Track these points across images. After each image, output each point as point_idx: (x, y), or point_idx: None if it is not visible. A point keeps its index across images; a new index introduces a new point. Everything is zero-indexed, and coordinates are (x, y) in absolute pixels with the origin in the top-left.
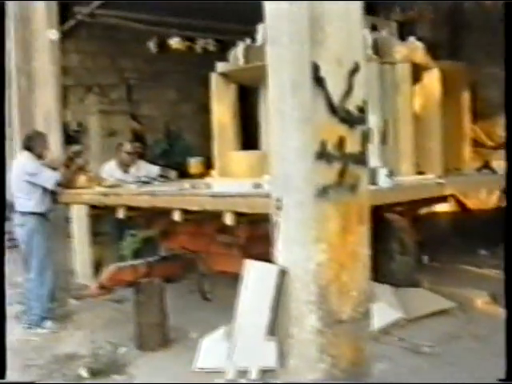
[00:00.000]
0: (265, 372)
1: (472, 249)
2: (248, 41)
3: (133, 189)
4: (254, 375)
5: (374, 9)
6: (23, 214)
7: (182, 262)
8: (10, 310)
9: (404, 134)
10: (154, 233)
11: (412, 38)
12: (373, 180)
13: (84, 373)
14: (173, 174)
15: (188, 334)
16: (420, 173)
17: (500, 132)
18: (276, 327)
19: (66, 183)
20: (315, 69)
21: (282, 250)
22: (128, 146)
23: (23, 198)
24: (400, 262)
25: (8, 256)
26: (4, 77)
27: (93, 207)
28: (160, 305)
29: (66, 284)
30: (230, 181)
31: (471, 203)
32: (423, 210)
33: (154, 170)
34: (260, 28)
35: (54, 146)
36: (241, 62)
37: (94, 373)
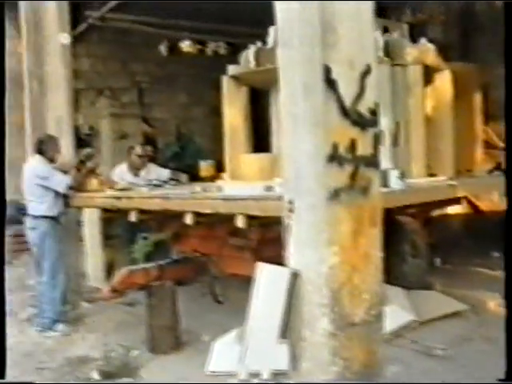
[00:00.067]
0: (276, 375)
1: (484, 251)
2: (259, 43)
3: (145, 192)
4: (265, 377)
5: (385, 11)
6: (35, 217)
7: (194, 264)
8: (23, 313)
9: (415, 135)
10: (165, 236)
11: (423, 40)
12: (384, 182)
13: (96, 375)
14: (184, 177)
15: (200, 336)
16: (431, 175)
17: None
18: (288, 330)
19: (78, 186)
20: (327, 71)
21: (293, 252)
22: (138, 149)
23: (35, 202)
24: (412, 264)
25: (20, 259)
26: (4, 77)
27: (105, 210)
28: (172, 308)
29: (77, 287)
30: (241, 184)
31: (483, 205)
32: (435, 212)
33: (165, 173)
34: (271, 31)
35: (66, 149)
36: (252, 64)
37: (106, 376)
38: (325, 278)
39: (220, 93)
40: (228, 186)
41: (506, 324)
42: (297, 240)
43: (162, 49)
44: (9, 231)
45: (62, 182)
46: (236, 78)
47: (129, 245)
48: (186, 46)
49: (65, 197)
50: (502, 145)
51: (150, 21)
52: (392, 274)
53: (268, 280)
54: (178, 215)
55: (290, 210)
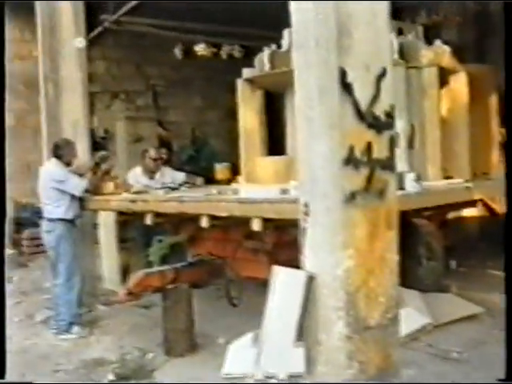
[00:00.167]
0: (292, 378)
1: (500, 253)
2: (273, 46)
3: (160, 195)
4: (281, 377)
5: (399, 13)
6: (51, 220)
7: (209, 267)
8: (39, 315)
9: (431, 138)
10: (181, 239)
11: (438, 42)
12: (400, 185)
13: (110, 378)
14: (199, 180)
15: (215, 339)
16: (447, 177)
17: None
18: (304, 333)
19: (93, 189)
20: (342, 74)
21: (309, 255)
22: (152, 152)
23: (51, 205)
24: (428, 267)
25: (36, 262)
26: (4, 77)
27: (120, 213)
28: (187, 310)
29: (93, 290)
30: (256, 186)
31: (499, 208)
32: (451, 215)
33: (180, 176)
34: (286, 33)
35: (82, 152)
36: (267, 67)
37: (121, 378)
38: (340, 281)
39: (235, 96)
40: (243, 188)
41: (506, 324)
42: (312, 243)
43: (177, 52)
44: (25, 234)
45: (78, 185)
46: (251, 81)
47: (144, 248)
48: (200, 49)
49: (81, 200)
50: None
51: (165, 24)
52: (407, 277)
53: (284, 283)
54: (194, 218)
55: (306, 213)
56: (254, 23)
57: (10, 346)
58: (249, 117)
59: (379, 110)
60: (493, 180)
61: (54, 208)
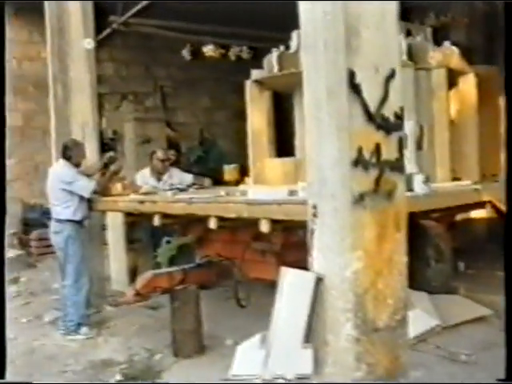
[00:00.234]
0: (300, 379)
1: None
2: (282, 48)
3: (168, 196)
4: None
5: (408, 14)
6: (60, 221)
7: (217, 269)
8: (47, 316)
9: (440, 139)
10: (189, 240)
11: (447, 43)
12: (409, 186)
13: (116, 379)
14: (207, 181)
15: (223, 341)
16: (456, 179)
17: None
18: (312, 335)
19: (102, 190)
20: (351, 76)
21: (317, 257)
22: (160, 154)
23: (60, 206)
24: (436, 268)
25: (44, 262)
26: (4, 77)
27: (128, 214)
28: (195, 312)
29: (101, 290)
30: (265, 188)
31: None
32: (459, 217)
33: (188, 178)
34: (294, 35)
35: (91, 153)
36: (275, 69)
37: (129, 379)
38: (349, 283)
39: (243, 97)
40: (252, 190)
41: (506, 324)
42: (321, 244)
43: (185, 53)
44: (33, 235)
45: (86, 186)
46: (259, 83)
47: (152, 249)
48: (208, 50)
49: (89, 201)
50: None
51: (173, 25)
52: (416, 279)
53: (292, 284)
54: (202, 219)
55: (314, 215)
56: (262, 25)
57: (18, 346)
58: (257, 118)
59: (388, 112)
60: (501, 181)
61: (63, 209)
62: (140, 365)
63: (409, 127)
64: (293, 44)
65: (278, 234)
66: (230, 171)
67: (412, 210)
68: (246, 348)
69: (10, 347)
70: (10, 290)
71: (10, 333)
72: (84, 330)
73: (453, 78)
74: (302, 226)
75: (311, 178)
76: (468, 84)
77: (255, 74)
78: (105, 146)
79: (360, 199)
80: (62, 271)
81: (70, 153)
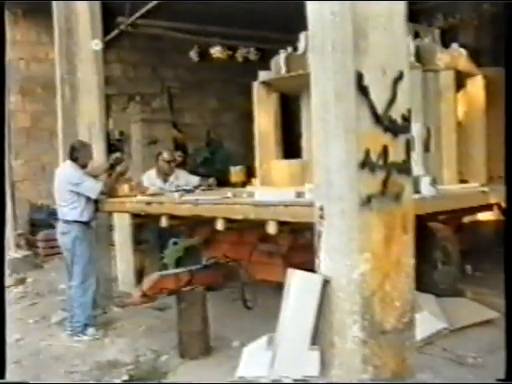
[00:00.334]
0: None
1: None
2: (289, 49)
3: (175, 197)
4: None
5: (416, 16)
6: (67, 222)
7: (224, 270)
8: (54, 316)
9: (447, 141)
10: (196, 241)
11: (455, 45)
12: (416, 188)
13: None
14: (212, 180)
15: (230, 342)
16: (463, 181)
17: None
18: (318, 337)
19: (109, 191)
20: (359, 78)
21: (324, 259)
22: (166, 155)
23: (67, 207)
24: (443, 271)
25: (51, 263)
26: (4, 77)
27: (135, 216)
28: (202, 313)
29: (108, 291)
30: (272, 189)
31: None
32: (467, 219)
33: (194, 180)
34: (302, 36)
35: (98, 154)
36: (283, 70)
37: (135, 380)
38: (356, 285)
39: (250, 98)
40: (258, 191)
41: (506, 324)
42: (328, 246)
43: (193, 54)
44: (40, 235)
45: (93, 187)
46: (267, 84)
47: (159, 250)
48: (216, 51)
49: (96, 202)
50: None
51: (181, 27)
52: (423, 281)
53: (299, 286)
54: (209, 221)
55: (321, 217)
56: (269, 26)
57: (25, 347)
58: (264, 119)
59: (396, 114)
60: None
61: (70, 210)
62: (146, 366)
63: (416, 129)
64: (300, 45)
65: (284, 235)
66: (236, 173)
67: (419, 212)
68: (253, 350)
69: (16, 348)
70: (16, 290)
71: (16, 333)
72: (90, 330)
73: (461, 80)
74: (309, 227)
75: (318, 179)
76: (476, 86)
77: (262, 75)
78: (111, 146)
79: (367, 201)
80: (69, 272)
81: (77, 154)
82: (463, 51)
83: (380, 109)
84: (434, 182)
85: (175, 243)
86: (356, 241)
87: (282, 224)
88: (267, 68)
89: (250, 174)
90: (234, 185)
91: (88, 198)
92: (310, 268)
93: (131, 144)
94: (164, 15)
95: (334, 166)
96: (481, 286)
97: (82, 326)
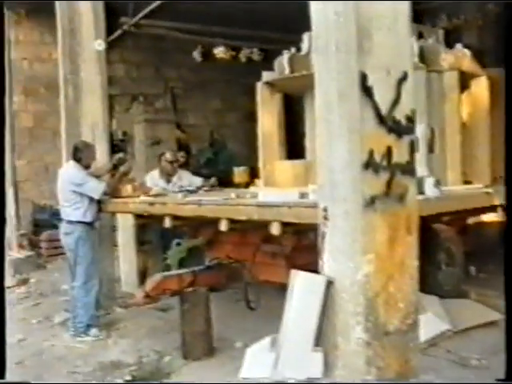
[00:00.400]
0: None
1: None
2: (293, 50)
3: (179, 198)
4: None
5: (420, 16)
6: (70, 222)
7: (227, 271)
8: (57, 317)
9: (451, 142)
10: (199, 242)
11: (459, 46)
12: (420, 189)
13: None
14: (213, 180)
15: (233, 343)
16: (467, 182)
17: None
18: (322, 338)
19: (112, 192)
20: (363, 78)
21: (328, 260)
22: (168, 155)
23: (70, 207)
24: (447, 272)
25: (54, 264)
26: (4, 77)
27: (138, 216)
28: (205, 314)
29: (111, 292)
30: (275, 190)
31: None
32: (471, 220)
33: (197, 181)
34: (305, 37)
35: (100, 155)
36: (286, 71)
37: (138, 381)
38: (359, 287)
39: (253, 99)
40: (262, 192)
41: (506, 324)
42: (331, 247)
43: (196, 55)
44: (43, 236)
45: (96, 188)
46: (270, 85)
47: (162, 251)
48: (219, 52)
49: (99, 202)
50: None
51: (184, 27)
52: (427, 283)
53: (302, 287)
54: (212, 221)
55: (325, 218)
56: (273, 26)
57: (28, 347)
58: (268, 120)
59: (400, 114)
60: None
61: (73, 210)
62: (149, 367)
63: (420, 130)
64: (304, 46)
65: (288, 236)
66: (240, 173)
67: (423, 213)
68: (256, 351)
69: (19, 348)
70: (19, 290)
71: (19, 334)
72: (93, 331)
73: (465, 81)
74: (312, 228)
75: (322, 180)
76: (480, 87)
77: (266, 75)
78: (115, 147)
79: (371, 202)
80: (72, 272)
81: (81, 154)
82: (467, 52)
83: (384, 109)
84: (438, 183)
85: (178, 244)
86: (360, 242)
87: (285, 225)
88: (271, 68)
89: (253, 174)
90: (238, 185)
91: (91, 199)
92: (314, 269)
93: (134, 144)
94: (167, 15)
95: (337, 166)
96: (485, 288)
97: (84, 327)
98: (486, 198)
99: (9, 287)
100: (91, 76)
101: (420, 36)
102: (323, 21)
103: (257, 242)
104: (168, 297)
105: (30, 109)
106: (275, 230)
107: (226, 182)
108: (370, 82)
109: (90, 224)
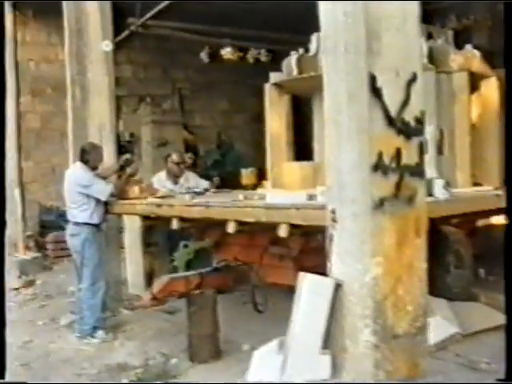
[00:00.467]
0: None
1: None
2: (301, 51)
3: (186, 200)
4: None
5: (429, 17)
6: (77, 224)
7: (235, 273)
8: (63, 319)
9: (461, 144)
10: (206, 244)
11: (468, 47)
12: (429, 191)
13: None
14: (215, 180)
15: (240, 345)
16: (477, 184)
17: None
18: (330, 341)
19: (119, 193)
20: (372, 79)
21: (336, 262)
22: (175, 157)
23: (77, 209)
24: (456, 275)
25: (60, 265)
26: (4, 77)
27: (145, 218)
28: (212, 316)
29: (117, 294)
30: (283, 192)
31: None
32: (480, 223)
33: (204, 183)
34: (314, 37)
35: (107, 156)
36: (294, 72)
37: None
38: (368, 289)
39: (261, 100)
40: (270, 194)
41: (506, 324)
42: (340, 250)
43: (203, 56)
44: (50, 237)
45: (103, 189)
46: (278, 86)
47: (169, 253)
48: (226, 52)
49: (106, 204)
50: None
51: (192, 27)
52: (436, 285)
53: (310, 290)
54: (220, 223)
55: (333, 220)
56: (280, 27)
57: (34, 349)
58: (276, 121)
59: (409, 116)
60: None
61: (80, 212)
62: (155, 369)
63: (429, 131)
64: (312, 47)
65: (296, 238)
66: (247, 175)
67: (432, 215)
68: (263, 353)
69: (25, 350)
70: (25, 292)
71: (25, 335)
72: (100, 333)
73: (474, 82)
74: (320, 230)
75: (330, 182)
76: (490, 88)
77: (274, 77)
78: (122, 148)
79: (380, 204)
80: (78, 274)
81: (88, 156)
82: (477, 52)
83: (393, 111)
84: (447, 185)
85: (185, 246)
86: (368, 244)
87: (293, 227)
88: (278, 69)
89: (261, 176)
90: (245, 187)
91: (98, 200)
92: (322, 271)
93: (141, 146)
94: (175, 16)
95: (346, 168)
96: (494, 291)
97: (91, 329)
98: (495, 200)
99: (15, 289)
100: (98, 77)
101: (429, 37)
102: (332, 21)
103: (264, 244)
104: (175, 299)
105: (36, 110)
106: (283, 232)
107: (233, 183)
108: (379, 83)
109: (96, 226)
